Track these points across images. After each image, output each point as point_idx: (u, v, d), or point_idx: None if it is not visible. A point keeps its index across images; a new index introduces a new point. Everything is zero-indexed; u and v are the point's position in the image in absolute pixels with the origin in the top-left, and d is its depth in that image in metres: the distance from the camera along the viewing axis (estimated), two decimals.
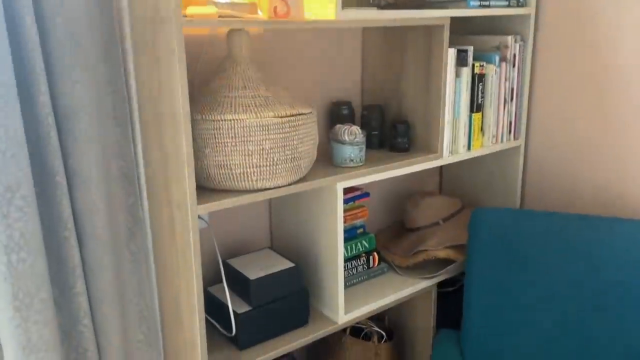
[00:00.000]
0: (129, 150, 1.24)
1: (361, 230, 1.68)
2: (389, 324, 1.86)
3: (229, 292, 1.43)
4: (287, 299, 1.39)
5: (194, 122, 1.16)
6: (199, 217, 1.15)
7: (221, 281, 1.50)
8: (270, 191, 1.23)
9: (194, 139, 1.17)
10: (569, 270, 1.48)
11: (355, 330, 1.85)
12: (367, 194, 1.67)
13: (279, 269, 1.39)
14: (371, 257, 1.66)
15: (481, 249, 1.54)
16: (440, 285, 1.75)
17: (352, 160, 1.41)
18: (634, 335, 1.41)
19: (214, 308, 1.42)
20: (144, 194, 1.31)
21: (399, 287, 1.60)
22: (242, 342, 1.33)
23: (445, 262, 1.72)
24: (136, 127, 1.27)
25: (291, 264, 1.42)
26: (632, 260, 1.43)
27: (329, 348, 1.70)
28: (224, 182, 1.20)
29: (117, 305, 1.28)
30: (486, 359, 1.53)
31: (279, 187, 1.25)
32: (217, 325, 1.40)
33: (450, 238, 1.71)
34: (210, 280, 1.54)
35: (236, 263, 1.43)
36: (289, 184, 1.27)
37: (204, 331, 1.21)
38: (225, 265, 1.44)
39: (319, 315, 1.49)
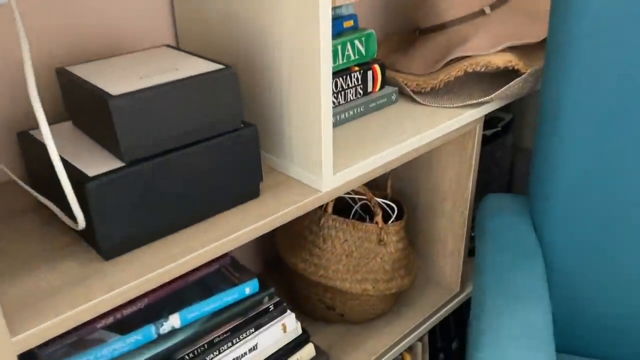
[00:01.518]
0: None
1: (350, 22, 0.88)
2: (393, 193, 1.14)
3: (73, 134, 0.64)
4: (208, 144, 0.61)
5: None
6: None
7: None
8: None
9: None
10: None
11: (341, 207, 1.12)
12: None
13: (188, 75, 0.59)
14: (369, 74, 0.88)
15: (578, 44, 0.78)
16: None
17: None
18: None
19: (44, 171, 0.63)
20: None
21: (420, 126, 0.85)
22: (104, 243, 0.56)
23: (502, 77, 0.98)
24: None
25: (219, 66, 0.62)
26: None
27: (295, 238, 0.97)
28: None
29: None
30: (584, 231, 0.84)
31: None
32: (54, 209, 0.61)
33: (509, 33, 0.94)
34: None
35: (86, 70, 0.63)
36: None
37: None
38: (63, 75, 0.63)
39: (280, 178, 0.74)
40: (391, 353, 0.99)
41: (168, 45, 0.72)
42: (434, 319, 1.06)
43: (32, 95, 0.49)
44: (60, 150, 0.61)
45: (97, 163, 0.57)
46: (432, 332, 1.26)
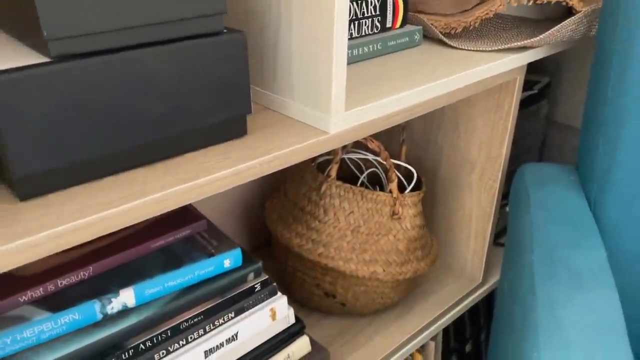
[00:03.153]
0: None
1: None
2: (409, 161, 0.96)
3: None
4: (175, 47, 0.44)
5: None
6: None
7: None
8: None
9: None
10: None
11: (345, 176, 0.95)
12: None
13: None
14: (389, 3, 0.71)
15: None
16: None
17: None
18: None
19: None
20: None
21: (451, 68, 0.67)
22: (18, 175, 0.39)
23: (542, 22, 0.81)
24: None
25: None
26: None
27: (289, 209, 0.79)
28: None
29: None
30: None
31: None
32: None
33: None
34: None
35: None
36: None
37: None
38: None
39: (274, 117, 0.56)
40: (400, 353, 0.82)
41: None
42: (452, 313, 0.89)
43: None
44: None
45: (12, 58, 0.39)
46: (445, 331, 1.08)
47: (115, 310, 0.52)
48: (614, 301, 0.55)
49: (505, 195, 1.00)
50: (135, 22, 0.41)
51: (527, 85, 0.99)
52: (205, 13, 0.45)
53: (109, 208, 0.40)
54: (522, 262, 0.62)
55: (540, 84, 0.98)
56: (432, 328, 0.87)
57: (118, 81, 0.41)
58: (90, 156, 0.42)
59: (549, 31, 0.72)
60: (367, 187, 0.93)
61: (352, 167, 0.95)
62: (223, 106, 0.48)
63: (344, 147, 0.89)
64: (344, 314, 0.85)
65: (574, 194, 0.71)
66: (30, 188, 0.40)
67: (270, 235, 1.00)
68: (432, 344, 0.95)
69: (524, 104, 0.96)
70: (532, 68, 1.10)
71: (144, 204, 0.41)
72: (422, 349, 0.94)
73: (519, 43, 0.72)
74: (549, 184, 0.73)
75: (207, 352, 0.58)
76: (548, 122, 1.11)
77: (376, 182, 0.94)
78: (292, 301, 0.87)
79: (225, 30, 0.47)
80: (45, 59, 0.39)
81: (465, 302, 0.91)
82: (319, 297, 0.82)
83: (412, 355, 0.93)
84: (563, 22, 0.72)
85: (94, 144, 0.41)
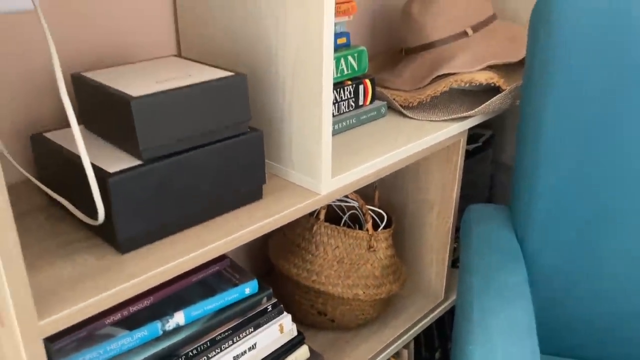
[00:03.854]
0: None
1: (343, 39, 0.94)
2: (380, 204, 1.18)
3: (87, 137, 0.68)
4: (221, 147, 0.65)
5: None
6: None
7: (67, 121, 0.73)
8: None
9: None
10: None
11: (330, 217, 1.16)
12: None
13: (202, 80, 0.64)
14: (361, 88, 0.94)
15: (558, 60, 0.85)
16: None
17: None
18: None
19: (59, 171, 0.66)
20: None
21: (409, 137, 0.90)
22: (122, 237, 0.59)
23: (483, 93, 1.05)
24: None
25: (229, 73, 0.67)
26: None
27: (288, 246, 1.00)
28: None
29: None
30: (567, 237, 0.89)
31: None
32: (69, 206, 0.64)
33: (491, 53, 1.01)
34: (44, 118, 0.77)
35: (103, 76, 0.66)
36: None
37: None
38: (79, 81, 0.67)
39: (281, 182, 0.78)
40: (379, 359, 1.03)
41: (175, 55, 0.76)
42: (420, 324, 1.10)
43: (64, 98, 0.53)
44: (76, 151, 0.64)
45: (115, 161, 0.60)
46: (417, 341, 1.29)
47: (171, 328, 0.73)
48: (529, 310, 0.77)
49: (458, 229, 1.22)
50: (195, 132, 0.63)
51: (474, 137, 1.23)
52: (238, 121, 0.66)
53: (182, 256, 0.60)
54: (466, 282, 0.84)
55: (484, 137, 1.21)
56: (404, 337, 1.08)
57: (184, 171, 0.62)
58: (168, 220, 0.62)
59: (482, 105, 0.95)
60: (348, 226, 1.15)
61: (336, 209, 1.17)
62: (248, 180, 0.69)
63: None
64: (334, 328, 1.06)
65: (504, 228, 0.93)
66: (128, 245, 0.61)
67: (270, 265, 1.20)
68: (406, 351, 1.16)
69: (473, 153, 1.19)
70: (479, 124, 1.33)
71: (203, 251, 0.62)
72: (397, 355, 1.15)
73: (460, 115, 0.95)
74: (487, 220, 0.96)
75: (235, 358, 0.78)
76: (496, 164, 1.35)
77: (355, 221, 1.16)
78: (292, 319, 1.08)
79: (249, 130, 0.69)
80: (138, 162, 0.60)
81: (431, 316, 1.13)
82: (313, 315, 1.03)
83: None
84: (492, 99, 0.95)
85: (170, 212, 0.62)
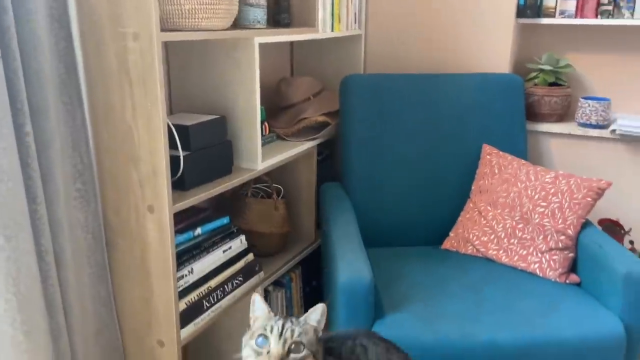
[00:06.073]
0: None
1: None
2: (279, 183, 2.10)
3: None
4: (217, 147, 1.54)
5: None
6: None
7: None
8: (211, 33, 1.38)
9: None
10: (421, 114, 1.92)
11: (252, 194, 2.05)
12: None
13: (209, 119, 1.53)
14: (263, 127, 1.88)
15: (352, 107, 1.89)
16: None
17: (259, 22, 1.61)
18: (464, 146, 1.92)
19: None
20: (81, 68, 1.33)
21: (289, 149, 1.86)
22: (187, 183, 1.45)
23: (321, 127, 2.04)
24: None
25: (216, 116, 1.57)
26: (461, 100, 1.94)
27: (236, 209, 1.88)
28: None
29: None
30: (367, 190, 1.90)
31: (218, 30, 1.40)
32: None
33: (324, 106, 2.02)
34: None
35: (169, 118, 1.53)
36: (225, 29, 1.43)
37: (168, 162, 1.31)
38: None
39: (238, 166, 1.67)
40: (283, 269, 1.92)
41: (182, 112, 1.65)
42: (304, 253, 2.03)
43: None
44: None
45: (176, 152, 1.47)
46: (303, 267, 2.20)
47: (196, 234, 1.58)
48: (355, 225, 1.75)
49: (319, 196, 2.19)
50: (208, 141, 1.52)
51: (320, 152, 2.22)
52: (222, 136, 1.57)
53: (216, 190, 1.48)
54: (326, 218, 1.79)
55: (325, 153, 2.21)
56: (295, 259, 1.99)
57: (208, 157, 1.51)
58: (204, 177, 1.50)
59: (321, 133, 1.95)
60: (262, 197, 2.05)
61: (254, 190, 2.06)
62: (226, 164, 1.59)
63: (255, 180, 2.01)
64: (260, 255, 1.94)
65: (340, 190, 1.91)
66: (189, 185, 1.47)
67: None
68: (298, 270, 2.06)
69: (322, 160, 2.18)
70: (321, 143, 2.34)
71: (220, 188, 1.50)
72: (293, 271, 2.05)
73: (312, 137, 1.93)
74: (332, 189, 1.94)
75: (223, 252, 1.64)
76: (332, 165, 2.35)
77: (269, 196, 2.06)
78: None
79: (225, 140, 1.59)
80: (189, 152, 1.47)
81: (307, 250, 2.06)
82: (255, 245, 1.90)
83: (289, 274, 2.03)
84: (326, 129, 1.95)
85: (203, 173, 1.50)
